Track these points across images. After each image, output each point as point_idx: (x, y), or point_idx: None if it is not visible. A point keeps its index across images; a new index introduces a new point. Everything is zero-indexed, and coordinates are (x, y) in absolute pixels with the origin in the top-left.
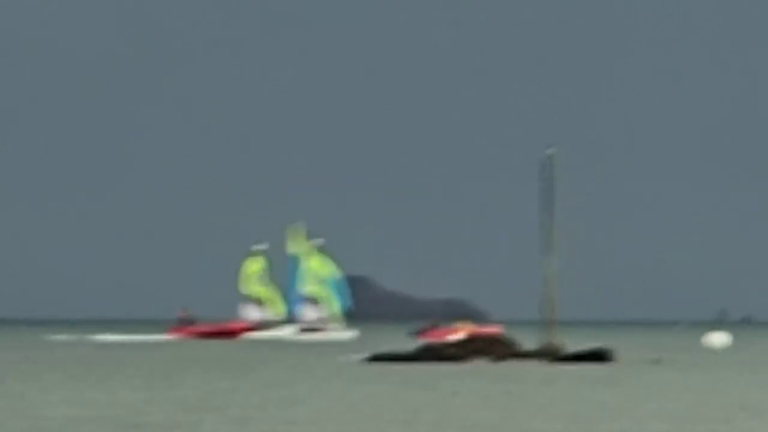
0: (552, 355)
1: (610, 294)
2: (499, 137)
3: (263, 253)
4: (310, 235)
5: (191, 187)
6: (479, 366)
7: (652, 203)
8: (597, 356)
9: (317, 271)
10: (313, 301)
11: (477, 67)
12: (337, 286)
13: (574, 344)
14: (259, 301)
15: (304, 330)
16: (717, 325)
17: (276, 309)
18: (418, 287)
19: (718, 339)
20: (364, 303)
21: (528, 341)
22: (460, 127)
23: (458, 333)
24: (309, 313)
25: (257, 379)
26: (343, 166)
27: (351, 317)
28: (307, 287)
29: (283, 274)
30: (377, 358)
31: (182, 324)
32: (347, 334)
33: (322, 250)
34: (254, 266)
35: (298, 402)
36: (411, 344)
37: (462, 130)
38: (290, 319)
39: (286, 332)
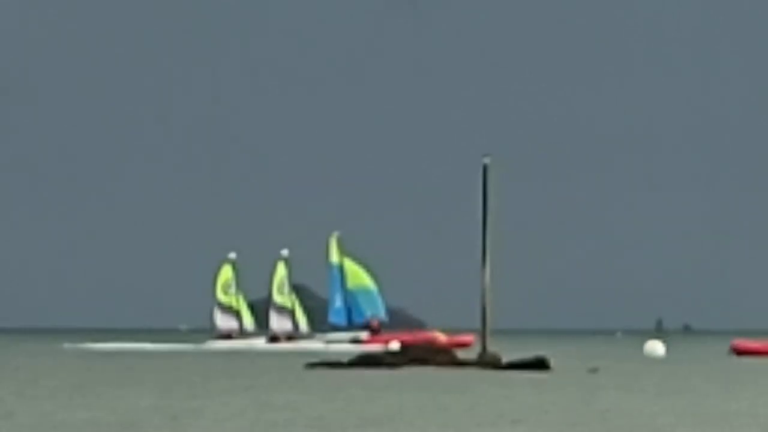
0: (490, 363)
1: (547, 303)
2: (439, 146)
3: (233, 261)
4: (277, 245)
5: (164, 194)
6: (415, 373)
7: (589, 212)
8: (536, 365)
9: (352, 281)
10: (282, 310)
11: (414, 74)
12: (370, 297)
13: (512, 353)
14: (230, 310)
15: (272, 340)
16: (655, 334)
17: (245, 319)
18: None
19: (657, 347)
20: (305, 311)
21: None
22: (398, 134)
23: (435, 341)
24: (278, 323)
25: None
26: (279, 175)
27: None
28: (276, 296)
29: (252, 283)
30: (316, 365)
31: (374, 332)
32: (317, 344)
33: (287, 260)
34: (225, 275)
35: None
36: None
37: (400, 138)
38: (327, 330)
39: (257, 343)
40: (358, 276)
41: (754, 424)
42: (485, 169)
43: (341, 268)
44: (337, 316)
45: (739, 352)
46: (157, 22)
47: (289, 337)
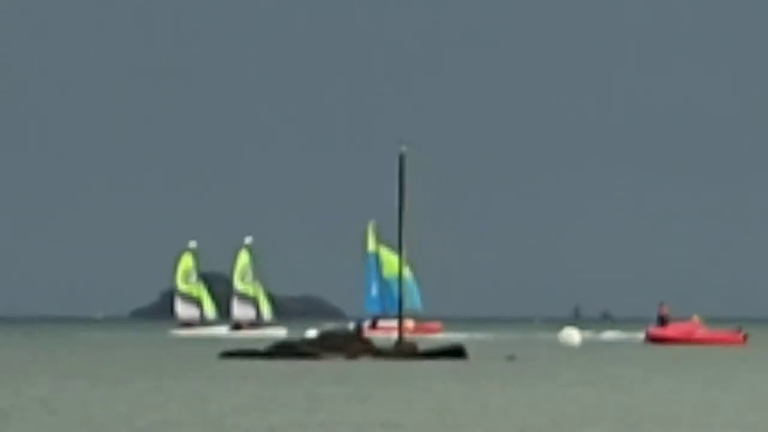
0: (407, 352)
1: (465, 290)
2: (355, 134)
3: (194, 251)
4: (240, 234)
5: (122, 183)
6: (334, 363)
7: (507, 200)
8: (452, 353)
9: (387, 269)
10: (247, 298)
11: (331, 63)
12: (406, 286)
13: (428, 341)
14: (191, 299)
15: (235, 328)
16: (572, 321)
17: (206, 307)
18: (273, 284)
19: (572, 335)
20: (223, 300)
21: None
22: (315, 122)
23: (405, 329)
24: (241, 311)
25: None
26: (198, 165)
27: (416, 318)
28: (240, 285)
29: (214, 271)
30: (231, 355)
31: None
32: (281, 332)
33: (250, 248)
34: (186, 263)
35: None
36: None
37: (317, 126)
38: (363, 319)
39: (220, 331)
40: (393, 265)
41: (657, 413)
42: (402, 157)
43: (377, 257)
44: (372, 304)
45: (654, 340)
46: (115, 12)
47: (252, 325)
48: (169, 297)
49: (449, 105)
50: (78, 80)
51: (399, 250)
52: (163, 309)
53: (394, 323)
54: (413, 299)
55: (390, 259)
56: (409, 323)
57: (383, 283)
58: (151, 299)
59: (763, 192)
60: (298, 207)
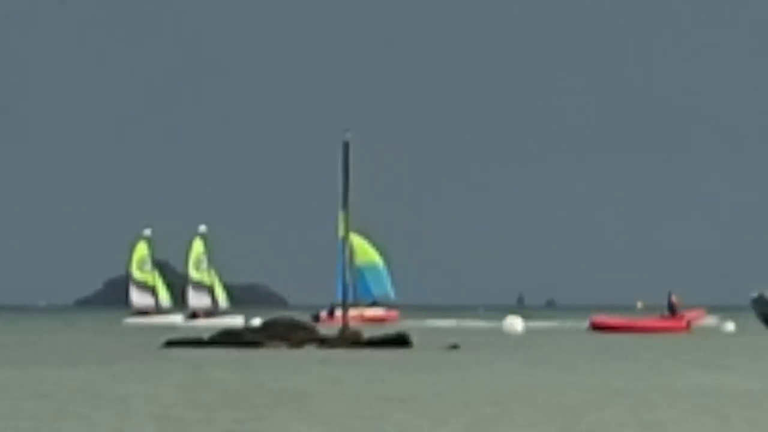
0: (351, 340)
1: (409, 279)
2: (300, 121)
3: (149, 239)
4: (195, 223)
5: (77, 171)
6: (277, 352)
7: (449, 188)
8: (397, 342)
9: (358, 256)
10: (202, 287)
11: (280, 52)
12: (377, 274)
13: (373, 329)
14: (146, 287)
15: (191, 317)
16: (516, 309)
17: (161, 295)
18: (218, 271)
19: (515, 323)
20: (175, 289)
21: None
22: (258, 109)
23: (360, 317)
24: (196, 300)
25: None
26: (149, 155)
27: (387, 306)
28: (195, 274)
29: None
30: (174, 343)
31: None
32: (238, 320)
33: (204, 236)
34: (141, 251)
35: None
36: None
37: (261, 113)
38: (335, 305)
39: (175, 319)
40: (365, 252)
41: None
42: (346, 145)
43: (348, 244)
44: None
45: (598, 328)
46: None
47: (208, 314)
48: (113, 286)
49: (403, 97)
50: (36, 67)
51: (345, 238)
52: (107, 298)
53: (353, 312)
54: (385, 287)
55: (363, 247)
56: (370, 311)
57: (354, 270)
58: (95, 288)
59: (716, 183)
60: (243, 195)
